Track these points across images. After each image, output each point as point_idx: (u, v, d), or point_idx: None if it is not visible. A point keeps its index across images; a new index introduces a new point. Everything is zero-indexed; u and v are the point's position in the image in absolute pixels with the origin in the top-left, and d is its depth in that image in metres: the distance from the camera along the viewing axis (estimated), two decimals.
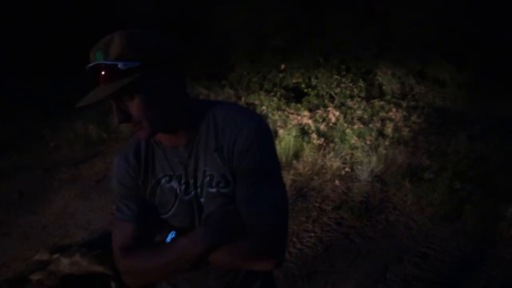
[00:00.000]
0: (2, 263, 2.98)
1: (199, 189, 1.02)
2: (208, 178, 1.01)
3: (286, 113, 5.77)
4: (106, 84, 0.86)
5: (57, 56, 8.61)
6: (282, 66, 6.92)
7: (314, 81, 6.75)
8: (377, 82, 6.89)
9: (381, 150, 4.39)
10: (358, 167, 4.13)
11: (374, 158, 4.16)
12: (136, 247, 1.01)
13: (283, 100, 6.34)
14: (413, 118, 5.43)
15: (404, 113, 5.65)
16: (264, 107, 6.04)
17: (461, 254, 2.93)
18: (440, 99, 6.38)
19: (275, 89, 6.79)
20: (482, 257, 2.91)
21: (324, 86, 6.58)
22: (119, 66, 0.85)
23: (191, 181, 1.03)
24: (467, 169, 3.84)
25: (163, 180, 1.04)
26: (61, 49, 8.64)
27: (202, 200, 1.03)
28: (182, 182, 1.03)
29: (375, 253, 2.97)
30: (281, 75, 6.92)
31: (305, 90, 6.71)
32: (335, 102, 6.34)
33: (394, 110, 5.83)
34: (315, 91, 6.64)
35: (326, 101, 6.39)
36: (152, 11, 7.72)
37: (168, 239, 1.01)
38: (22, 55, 8.26)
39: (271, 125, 5.11)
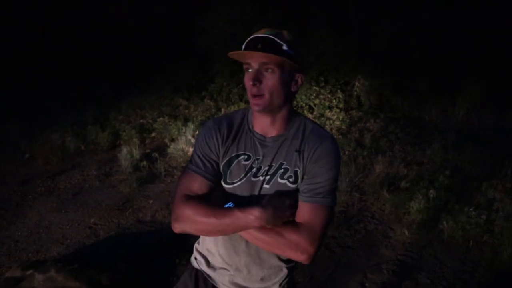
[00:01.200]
0: None
1: (268, 177, 1.21)
2: (282, 170, 1.20)
3: None
4: (263, 52, 1.09)
5: (36, 65, 8.47)
6: None
7: None
8: (355, 93, 7.01)
9: (360, 160, 4.46)
10: None
11: (353, 168, 4.22)
12: (198, 199, 1.18)
13: None
14: (390, 128, 5.54)
15: (382, 123, 5.76)
16: None
17: (438, 262, 2.99)
18: (416, 109, 6.54)
19: None
20: (458, 263, 2.97)
21: (303, 97, 6.66)
22: (283, 47, 1.12)
23: (265, 168, 1.21)
24: (442, 178, 3.93)
25: (241, 157, 1.22)
26: (40, 57, 8.50)
27: (266, 186, 1.21)
28: (257, 165, 1.21)
29: (354, 262, 3.00)
30: None
31: None
32: (314, 113, 6.41)
33: (372, 120, 5.94)
34: (295, 102, 6.71)
35: (305, 112, 6.46)
36: (134, 22, 7.69)
37: (226, 206, 1.17)
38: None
39: None
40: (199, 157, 1.24)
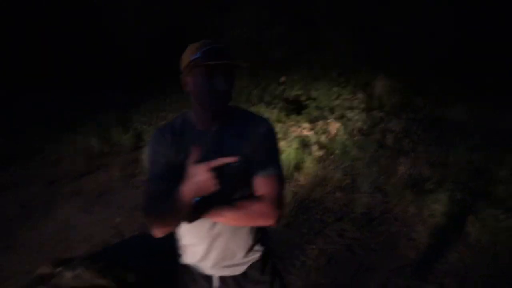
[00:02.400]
0: (4, 278, 2.98)
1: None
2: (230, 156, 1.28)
3: (286, 125, 5.81)
4: (228, 61, 1.26)
5: (53, 70, 8.68)
6: (282, 79, 6.98)
7: (314, 93, 6.80)
8: (376, 93, 6.94)
9: (382, 161, 4.41)
10: (359, 178, 4.14)
11: (375, 169, 4.17)
12: (156, 200, 1.28)
13: (283, 112, 6.38)
14: (413, 129, 5.45)
15: (404, 124, 5.68)
16: None
17: (464, 266, 2.93)
18: (439, 109, 6.42)
19: (275, 101, 6.84)
20: (486, 268, 2.90)
21: (323, 98, 6.63)
22: (229, 53, 1.30)
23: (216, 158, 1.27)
24: (467, 180, 3.85)
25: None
26: (56, 62, 8.71)
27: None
28: (208, 159, 1.23)
29: (377, 265, 2.97)
30: (281, 88, 6.97)
31: (305, 102, 6.75)
32: (335, 114, 6.37)
33: (393, 121, 5.86)
34: (315, 103, 6.68)
35: (326, 113, 6.43)
36: (148, 27, 7.81)
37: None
38: (17, 69, 8.32)
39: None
40: (152, 165, 1.34)
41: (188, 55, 1.32)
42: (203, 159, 1.22)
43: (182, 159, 1.28)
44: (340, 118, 6.12)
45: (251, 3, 6.92)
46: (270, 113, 6.27)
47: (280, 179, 1.34)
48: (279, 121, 6.07)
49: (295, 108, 6.67)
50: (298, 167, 4.51)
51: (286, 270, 2.89)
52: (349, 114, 6.25)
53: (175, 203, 1.20)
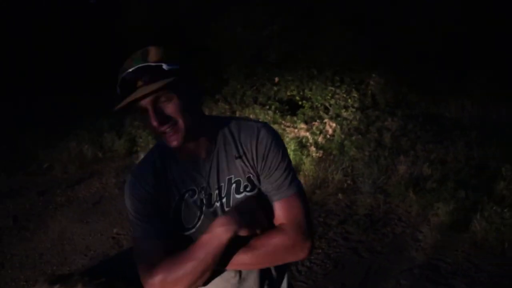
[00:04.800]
0: None
1: (224, 199, 1.06)
2: (234, 185, 1.06)
3: (282, 126, 5.73)
4: (148, 85, 0.91)
5: (44, 74, 8.50)
6: (276, 79, 6.90)
7: (308, 93, 6.74)
8: (370, 91, 6.90)
9: (381, 160, 4.36)
10: (360, 179, 4.08)
11: (375, 169, 4.12)
12: (161, 260, 1.00)
13: (278, 113, 6.30)
14: (409, 126, 5.42)
15: (400, 122, 5.65)
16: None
17: (473, 266, 2.88)
18: (434, 106, 6.41)
19: (269, 102, 6.76)
20: (495, 267, 2.86)
21: (318, 97, 6.57)
22: (163, 66, 0.93)
23: (215, 192, 1.06)
24: (469, 177, 3.82)
25: (186, 195, 1.06)
26: (48, 66, 8.53)
27: (227, 209, 1.05)
28: (206, 195, 1.05)
29: (386, 268, 2.91)
30: (275, 88, 6.89)
31: (300, 103, 6.68)
32: (330, 113, 6.32)
33: (389, 119, 5.82)
34: (310, 103, 6.62)
35: (321, 112, 6.36)
36: (147, 25, 7.66)
37: None
38: (12, 76, 8.13)
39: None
40: (143, 220, 1.04)
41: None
42: (199, 196, 1.04)
43: (179, 201, 1.05)
44: (336, 117, 6.07)
45: (245, 3, 6.84)
46: (265, 114, 6.19)
47: (300, 196, 1.07)
48: (274, 122, 5.99)
49: (290, 108, 6.59)
50: (297, 169, 4.44)
51: (293, 276, 2.82)
52: (345, 113, 6.21)
53: (206, 243, 0.97)
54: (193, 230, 1.06)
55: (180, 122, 0.97)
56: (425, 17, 6.41)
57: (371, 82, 6.93)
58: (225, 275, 1.07)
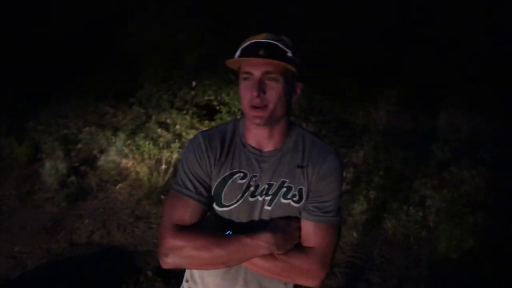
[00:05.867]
0: None
1: (269, 197, 1.09)
2: (285, 189, 1.09)
3: (199, 131, 5.65)
4: (271, 59, 0.99)
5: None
6: (193, 83, 6.79)
7: (226, 98, 6.75)
8: None
9: None
10: None
11: None
12: (193, 228, 1.04)
13: (196, 118, 6.21)
14: (323, 131, 5.72)
15: (314, 127, 5.93)
16: (177, 126, 5.84)
17: (385, 260, 3.12)
18: (345, 113, 6.86)
19: (186, 107, 6.62)
20: (402, 260, 3.13)
21: (236, 103, 6.61)
22: (288, 54, 1.03)
23: (264, 186, 1.09)
24: (378, 179, 4.14)
25: (236, 175, 1.09)
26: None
27: (267, 208, 1.09)
28: (254, 183, 1.09)
29: None
30: (192, 93, 6.78)
31: (218, 107, 6.66)
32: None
33: (304, 125, 6.09)
34: (227, 108, 6.63)
35: (239, 117, 6.41)
36: (56, 23, 6.98)
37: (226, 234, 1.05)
38: None
39: (185, 145, 4.96)
40: (188, 177, 1.09)
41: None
42: (248, 182, 1.08)
43: (227, 176, 1.09)
44: None
45: (162, 4, 6.63)
46: (183, 119, 6.05)
47: (336, 231, 1.10)
48: (192, 127, 5.89)
49: (207, 113, 6.53)
50: None
51: None
52: None
53: (244, 246, 1.00)
54: (227, 209, 1.10)
55: (271, 105, 1.03)
56: (348, 33, 6.87)
57: None
58: (236, 267, 1.10)
